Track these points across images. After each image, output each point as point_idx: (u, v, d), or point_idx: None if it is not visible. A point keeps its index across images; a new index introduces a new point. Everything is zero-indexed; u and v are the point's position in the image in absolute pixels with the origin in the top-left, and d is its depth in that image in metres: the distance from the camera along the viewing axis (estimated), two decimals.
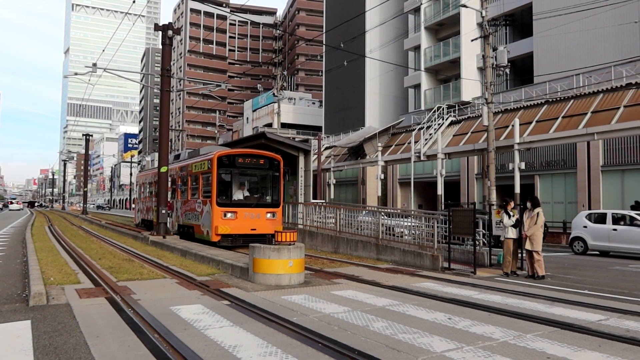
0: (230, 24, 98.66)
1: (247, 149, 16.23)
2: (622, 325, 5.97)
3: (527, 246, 10.31)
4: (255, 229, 14.44)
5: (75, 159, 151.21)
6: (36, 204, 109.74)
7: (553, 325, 5.90)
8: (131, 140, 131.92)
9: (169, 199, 17.49)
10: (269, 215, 14.88)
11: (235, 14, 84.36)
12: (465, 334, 5.40)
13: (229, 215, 14.20)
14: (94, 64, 18.88)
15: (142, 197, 23.83)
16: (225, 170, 14.70)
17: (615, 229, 15.47)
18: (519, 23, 33.29)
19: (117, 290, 7.74)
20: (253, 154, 15.20)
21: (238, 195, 14.89)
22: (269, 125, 52.70)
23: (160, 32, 17.25)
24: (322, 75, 58.13)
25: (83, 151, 55.23)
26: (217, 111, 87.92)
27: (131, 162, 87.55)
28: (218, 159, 14.43)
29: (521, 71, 32.76)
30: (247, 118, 66.84)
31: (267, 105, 59.93)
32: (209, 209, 14.39)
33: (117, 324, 5.80)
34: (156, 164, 19.12)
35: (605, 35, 26.01)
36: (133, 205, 68.31)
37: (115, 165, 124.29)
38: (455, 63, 36.58)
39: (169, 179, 17.68)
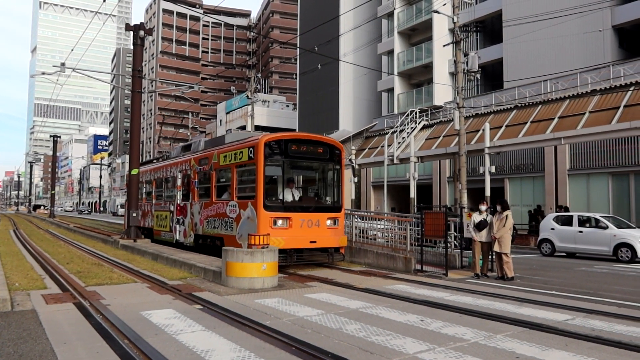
0: (204, 25, 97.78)
1: (299, 132, 13.38)
2: (588, 324, 6.14)
3: (496, 248, 10.51)
4: (315, 241, 10.93)
5: (42, 160, 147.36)
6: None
7: (522, 325, 6.03)
8: (101, 142, 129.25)
9: (178, 202, 15.08)
10: (329, 222, 11.32)
11: (208, 15, 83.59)
12: (437, 335, 5.47)
13: (280, 222, 10.60)
14: (63, 64, 18.47)
15: (144, 197, 20.84)
16: (275, 162, 11.14)
17: (581, 231, 15.91)
18: (490, 29, 33.99)
19: (85, 296, 7.56)
20: (310, 140, 11.70)
21: (289, 195, 11.44)
22: (243, 127, 52.38)
23: (131, 32, 16.98)
24: (296, 78, 58.13)
25: (50, 153, 53.87)
26: (190, 113, 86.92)
27: (101, 165, 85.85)
28: (267, 146, 10.87)
29: (491, 76, 33.43)
30: (221, 120, 66.30)
31: (240, 107, 59.57)
32: (252, 214, 10.81)
33: (85, 330, 5.67)
34: (162, 160, 18.52)
35: (571, 42, 26.78)
36: (120, 211, 66.95)
37: (84, 168, 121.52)
38: (428, 68, 37.10)
39: (179, 175, 15.19)
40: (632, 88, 21.40)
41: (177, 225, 14.96)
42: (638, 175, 20.22)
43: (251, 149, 11.16)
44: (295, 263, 10.96)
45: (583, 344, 5.21)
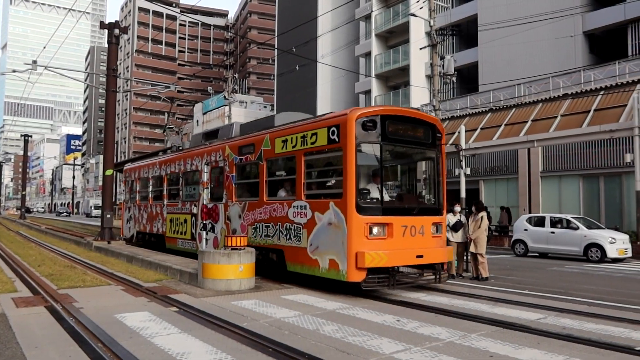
0: (180, 24, 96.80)
1: (393, 106, 8.82)
2: (559, 323, 6.29)
3: (472, 249, 10.68)
4: (422, 256, 8.21)
5: (12, 160, 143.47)
6: None
7: (496, 324, 6.14)
8: (74, 142, 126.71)
9: (205, 202, 12.03)
10: (433, 229, 8.64)
11: (185, 14, 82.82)
12: (413, 335, 5.53)
13: (376, 230, 7.82)
14: (34, 62, 18.08)
15: (139, 199, 16.50)
16: (371, 146, 8.24)
17: (553, 232, 16.27)
18: (465, 33, 34.51)
19: (57, 299, 7.40)
20: (412, 117, 8.83)
21: (376, 193, 8.46)
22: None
23: (106, 31, 16.71)
24: (274, 79, 58.03)
25: (21, 152, 52.59)
26: (166, 113, 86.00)
27: (74, 165, 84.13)
28: (360, 124, 7.94)
29: (467, 80, 33.94)
30: (197, 121, 65.68)
31: (217, 108, 59.13)
32: (337, 219, 7.93)
33: (57, 333, 5.55)
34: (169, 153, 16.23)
35: (544, 47, 27.39)
36: (94, 212, 63.47)
37: (56, 168, 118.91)
38: (405, 70, 37.45)
39: (205, 168, 12.13)
40: (601, 92, 21.98)
41: (203, 232, 11.97)
42: (607, 177, 20.79)
43: (333, 128, 8.23)
44: (398, 284, 8.09)
45: (554, 342, 5.33)
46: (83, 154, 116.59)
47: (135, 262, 11.89)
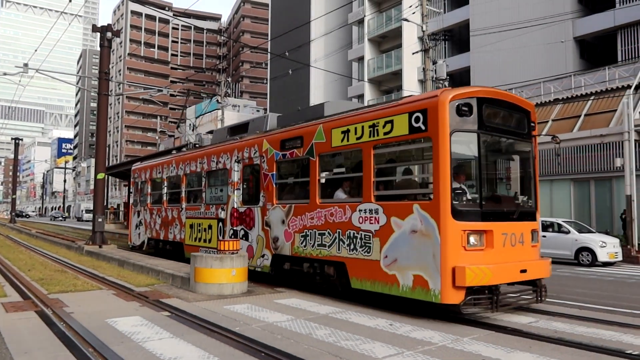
0: (173, 28, 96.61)
1: (486, 87, 7.42)
2: (551, 326, 6.32)
3: None
4: (525, 270, 6.84)
5: (2, 164, 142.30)
6: None
7: (488, 328, 6.15)
8: (65, 145, 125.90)
9: (235, 205, 10.59)
10: (531, 237, 7.29)
11: (178, 18, 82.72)
12: (406, 339, 5.54)
13: (474, 239, 6.48)
14: (25, 64, 17.98)
15: (150, 203, 14.99)
16: (467, 135, 6.79)
17: (544, 236, 16.35)
18: (458, 38, 34.74)
19: (48, 303, 7.34)
20: (508, 102, 7.40)
21: (481, 193, 6.97)
22: (212, 132, 51.88)
23: (98, 34, 16.65)
24: (266, 83, 58.05)
25: (12, 156, 52.15)
26: (159, 117, 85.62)
27: (65, 168, 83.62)
28: (453, 107, 6.57)
29: (459, 84, 34.02)
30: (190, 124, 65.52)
31: (210, 111, 59.04)
32: (425, 226, 6.53)
33: (47, 338, 5.51)
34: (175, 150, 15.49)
35: (535, 53, 27.62)
36: (85, 216, 62.41)
37: (47, 172, 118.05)
38: (397, 75, 37.61)
39: (235, 167, 10.64)
40: (592, 97, 22.19)
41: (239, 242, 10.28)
42: (598, 181, 20.95)
43: (418, 114, 6.78)
44: (501, 308, 6.63)
45: (546, 346, 5.36)
46: (74, 158, 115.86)
47: (127, 266, 11.82)
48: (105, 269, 11.54)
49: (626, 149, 17.82)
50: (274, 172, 9.47)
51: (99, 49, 17.22)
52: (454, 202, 6.43)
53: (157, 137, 71.52)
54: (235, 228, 10.54)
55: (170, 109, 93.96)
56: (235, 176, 10.67)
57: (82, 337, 5.47)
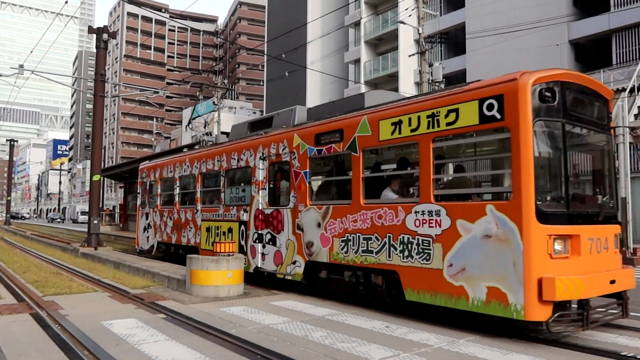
0: (170, 30, 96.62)
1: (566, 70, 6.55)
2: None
3: None
4: (614, 281, 6.00)
5: None
6: None
7: (484, 330, 6.16)
8: (61, 147, 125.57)
9: (260, 206, 9.60)
10: (615, 242, 6.54)
11: (174, 19, 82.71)
12: (402, 341, 5.54)
13: (559, 246, 5.66)
14: (21, 66, 17.94)
15: (160, 204, 14.03)
16: (549, 125, 5.93)
17: None
18: (454, 41, 34.86)
19: (42, 306, 7.31)
20: (590, 89, 6.53)
21: (568, 192, 6.12)
22: (209, 134, 51.84)
23: (94, 35, 16.63)
24: (263, 85, 58.06)
25: (6, 157, 51.96)
26: (155, 118, 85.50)
27: (60, 170, 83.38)
28: (535, 93, 5.73)
29: None
30: (186, 126, 65.43)
31: (206, 113, 58.99)
32: (503, 230, 5.68)
33: (42, 341, 5.48)
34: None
35: (531, 55, 27.73)
36: (81, 218, 61.90)
37: (42, 173, 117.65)
38: (394, 77, 37.70)
39: (260, 164, 9.69)
40: None
41: (259, 245, 9.58)
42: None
43: (491, 101, 5.93)
44: (591, 325, 5.71)
45: (542, 347, 5.37)
46: (70, 159, 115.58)
47: (122, 268, 11.78)
48: (101, 271, 11.50)
49: (621, 151, 17.91)
50: (307, 170, 8.50)
51: (95, 50, 17.20)
52: (538, 202, 5.55)
53: (153, 139, 71.39)
54: (260, 231, 9.52)
55: (167, 110, 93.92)
56: (260, 175, 9.67)
57: (77, 340, 5.44)
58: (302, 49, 43.40)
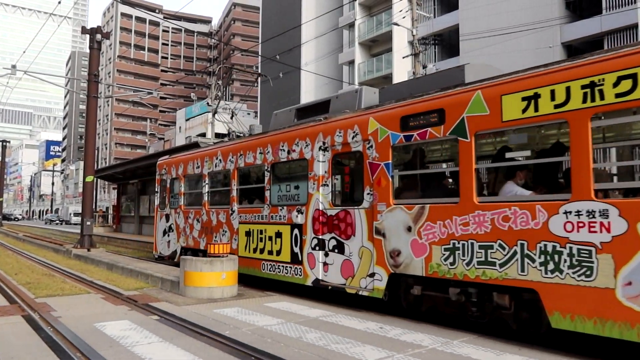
0: (164, 30, 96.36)
1: None
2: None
3: None
4: None
5: None
6: None
7: (477, 331, 6.18)
8: (54, 148, 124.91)
9: (321, 207, 8.05)
10: None
11: (168, 20, 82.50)
12: (396, 342, 5.54)
13: None
14: (13, 66, 17.82)
15: (184, 204, 12.42)
16: None
17: None
18: (447, 43, 34.99)
19: (35, 308, 7.27)
20: None
21: None
22: (203, 135, 51.76)
23: (87, 36, 16.57)
24: (257, 86, 58.02)
25: None
26: (148, 119, 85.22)
27: (53, 171, 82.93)
28: None
29: None
30: (180, 127, 65.27)
31: (200, 114, 58.88)
32: None
33: (35, 343, 5.45)
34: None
35: (524, 57, 27.86)
36: (74, 219, 61.20)
37: (35, 174, 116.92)
38: (388, 79, 37.77)
39: (320, 156, 8.16)
40: None
41: (319, 253, 7.99)
42: None
43: None
44: None
45: (535, 349, 5.39)
46: (63, 160, 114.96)
47: (115, 270, 11.72)
48: (94, 273, 11.44)
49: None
50: (389, 161, 6.96)
51: (88, 51, 17.13)
52: None
53: (146, 140, 71.16)
54: (321, 236, 7.97)
55: (160, 111, 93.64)
56: (320, 168, 8.11)
57: (70, 342, 5.41)
58: (296, 50, 43.44)
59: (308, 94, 47.27)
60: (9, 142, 51.22)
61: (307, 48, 45.29)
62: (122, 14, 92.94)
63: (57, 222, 63.68)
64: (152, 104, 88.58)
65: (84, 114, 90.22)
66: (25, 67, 18.77)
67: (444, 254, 6.17)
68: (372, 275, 7.10)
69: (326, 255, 7.90)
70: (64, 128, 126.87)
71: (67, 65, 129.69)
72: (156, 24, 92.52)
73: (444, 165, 7.32)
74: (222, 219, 10.67)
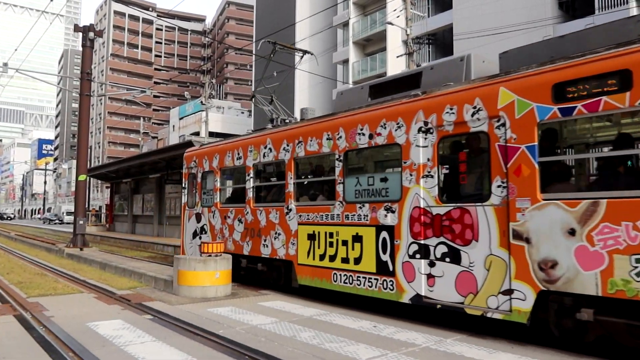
0: (157, 29, 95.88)
1: None
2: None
3: None
4: None
5: None
6: None
7: (470, 329, 6.20)
8: (46, 147, 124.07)
9: (421, 203, 6.45)
10: None
11: (162, 18, 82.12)
12: (390, 341, 5.56)
13: None
14: (5, 64, 17.71)
15: (220, 202, 10.69)
16: None
17: None
18: (441, 42, 35.09)
19: (27, 307, 7.22)
20: None
21: None
22: (197, 133, 51.63)
23: (80, 34, 16.47)
24: (251, 84, 57.94)
25: None
26: (142, 118, 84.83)
27: (45, 170, 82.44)
28: None
29: None
30: (174, 126, 65.08)
31: (194, 113, 58.72)
32: None
33: (27, 343, 5.41)
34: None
35: None
36: (66, 218, 60.32)
37: (27, 173, 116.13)
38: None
39: (420, 137, 6.53)
40: None
41: (421, 262, 6.36)
42: None
43: None
44: None
45: (528, 346, 5.42)
46: (55, 159, 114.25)
47: (108, 269, 11.67)
48: (87, 272, 11.39)
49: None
50: (534, 143, 5.40)
51: (81, 49, 17.03)
52: None
53: (140, 139, 70.87)
54: (423, 241, 6.36)
55: (154, 110, 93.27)
56: (421, 155, 6.49)
57: (63, 342, 5.38)
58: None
59: (302, 93, 47.30)
60: (0, 140, 50.79)
61: (302, 47, 45.27)
62: (115, 12, 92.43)
63: (57, 221, 61.17)
64: (146, 102, 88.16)
65: (76, 113, 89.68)
66: (17, 65, 18.64)
67: (635, 267, 4.61)
68: (508, 292, 5.49)
69: (431, 265, 6.25)
70: (56, 126, 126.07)
71: (59, 63, 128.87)
72: (150, 22, 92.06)
73: (632, 145, 5.46)
74: (274, 219, 9.00)
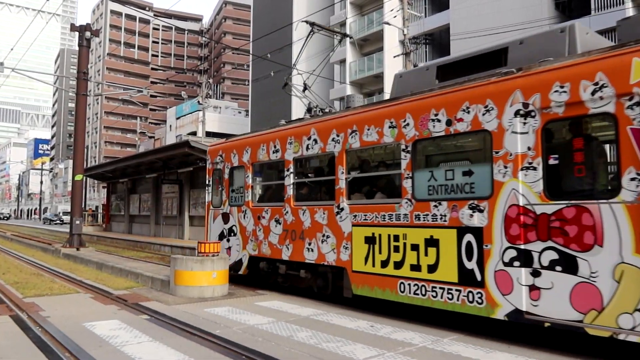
0: (154, 28, 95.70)
1: None
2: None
3: None
4: None
5: None
6: None
7: (467, 329, 6.22)
8: (42, 146, 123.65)
9: (520, 201, 5.35)
10: None
11: (158, 18, 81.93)
12: (387, 341, 5.56)
13: None
14: (1, 63, 17.65)
15: (252, 200, 9.61)
16: None
17: None
18: (438, 42, 35.14)
19: (23, 307, 7.20)
20: None
21: None
22: (193, 133, 51.55)
23: (77, 33, 16.42)
24: (248, 84, 57.91)
25: None
26: (138, 118, 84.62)
27: (42, 170, 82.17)
28: None
29: None
30: (170, 126, 64.97)
31: (191, 113, 58.64)
32: None
33: (23, 343, 5.40)
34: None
35: None
36: (63, 219, 59.76)
37: (23, 173, 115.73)
38: (379, 78, 37.87)
39: (519, 122, 5.40)
40: None
41: (521, 271, 5.33)
42: None
43: None
44: None
45: (524, 346, 5.43)
46: (51, 159, 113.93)
47: (105, 269, 11.65)
48: (83, 272, 11.36)
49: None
50: None
51: (77, 48, 16.99)
52: None
53: (136, 138, 70.72)
54: (523, 246, 5.31)
55: (151, 109, 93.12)
56: (519, 143, 5.45)
57: (59, 342, 5.37)
58: (287, 48, 43.36)
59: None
60: None
61: (298, 47, 45.26)
62: (112, 12, 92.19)
63: (58, 221, 58.73)
64: (142, 102, 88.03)
65: (73, 112, 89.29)
66: (14, 65, 18.58)
67: None
68: None
69: (535, 274, 5.20)
70: (52, 126, 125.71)
71: (55, 62, 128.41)
72: (146, 21, 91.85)
73: None
74: (321, 219, 7.87)
